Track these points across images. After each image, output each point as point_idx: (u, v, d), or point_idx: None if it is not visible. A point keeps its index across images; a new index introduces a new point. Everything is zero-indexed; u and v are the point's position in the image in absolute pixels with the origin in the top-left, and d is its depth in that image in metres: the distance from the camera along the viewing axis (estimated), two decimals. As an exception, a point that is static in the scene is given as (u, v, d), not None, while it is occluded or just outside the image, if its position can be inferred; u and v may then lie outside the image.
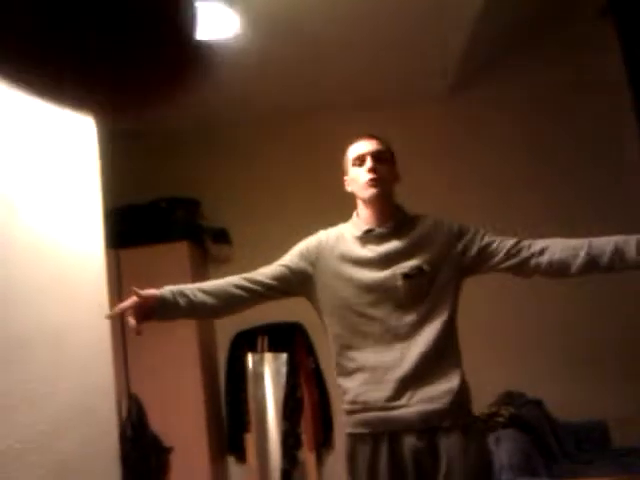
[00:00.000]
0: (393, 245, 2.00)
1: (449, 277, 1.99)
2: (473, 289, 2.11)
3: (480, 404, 2.15)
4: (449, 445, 1.89)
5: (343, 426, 2.04)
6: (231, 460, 4.10)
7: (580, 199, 4.07)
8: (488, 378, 3.09)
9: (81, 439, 2.01)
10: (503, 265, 1.99)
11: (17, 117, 2.08)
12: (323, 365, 3.96)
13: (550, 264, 1.93)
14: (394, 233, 2.02)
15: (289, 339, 4.04)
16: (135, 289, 1.93)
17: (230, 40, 3.16)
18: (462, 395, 1.94)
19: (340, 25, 3.25)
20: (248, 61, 3.44)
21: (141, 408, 3.63)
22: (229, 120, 4.22)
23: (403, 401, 1.91)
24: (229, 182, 4.32)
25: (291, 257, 2.10)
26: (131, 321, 1.91)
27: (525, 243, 1.98)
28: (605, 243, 1.89)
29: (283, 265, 2.08)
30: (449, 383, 1.93)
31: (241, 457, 4.01)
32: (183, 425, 3.72)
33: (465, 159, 4.21)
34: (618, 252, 1.86)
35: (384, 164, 2.04)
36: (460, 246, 2.00)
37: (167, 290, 1.99)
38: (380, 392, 1.93)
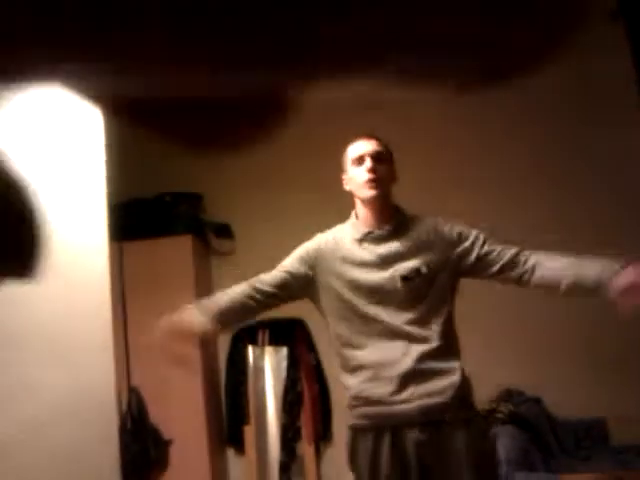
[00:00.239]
0: (392, 247, 2.02)
1: (447, 279, 2.01)
2: (473, 286, 2.12)
3: (479, 402, 2.16)
4: (452, 439, 1.92)
5: (345, 419, 2.07)
6: (230, 452, 4.12)
7: (583, 200, 4.07)
8: (487, 376, 3.09)
9: (81, 431, 2.02)
10: (497, 277, 2.00)
11: (22, 109, 2.09)
12: (323, 360, 3.98)
13: (540, 283, 1.95)
14: (393, 234, 2.04)
15: (290, 334, 4.05)
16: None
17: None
18: (464, 389, 1.97)
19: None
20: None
21: (141, 401, 3.65)
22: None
23: (405, 396, 1.93)
24: (232, 177, 4.32)
25: (292, 262, 2.12)
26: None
27: (522, 257, 1.97)
28: (592, 266, 1.90)
29: (285, 271, 2.10)
30: (450, 378, 1.95)
31: (240, 450, 4.03)
32: (183, 418, 3.74)
33: (466, 158, 4.21)
34: (597, 280, 1.86)
35: (383, 164, 2.05)
36: (458, 252, 2.01)
37: (205, 322, 2.06)
38: (382, 388, 1.95)
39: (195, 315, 2.06)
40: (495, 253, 1.99)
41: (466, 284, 2.08)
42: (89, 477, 2.03)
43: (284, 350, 4.01)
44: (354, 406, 2.02)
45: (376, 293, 1.99)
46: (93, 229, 2.23)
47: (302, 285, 2.10)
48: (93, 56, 0.48)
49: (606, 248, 3.97)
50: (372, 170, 2.02)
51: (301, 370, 3.97)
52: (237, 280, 4.61)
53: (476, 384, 2.03)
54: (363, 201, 2.07)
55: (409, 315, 1.97)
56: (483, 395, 2.15)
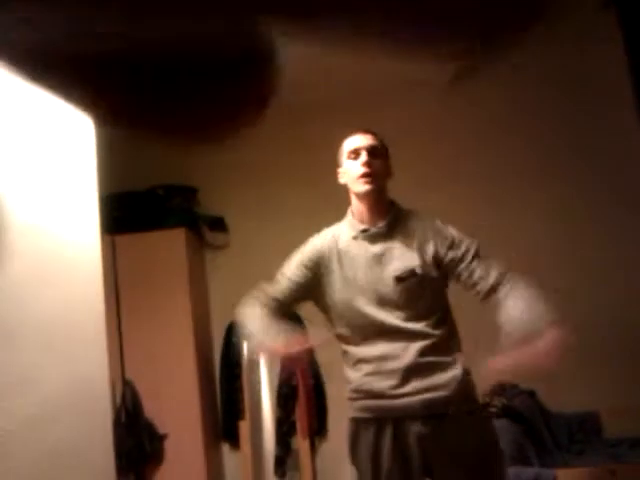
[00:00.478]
0: (387, 246, 2.02)
1: (440, 278, 2.02)
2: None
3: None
4: (455, 432, 1.92)
5: (340, 413, 2.07)
6: (225, 447, 4.12)
7: (580, 191, 4.07)
8: (480, 370, 3.10)
9: (76, 425, 2.01)
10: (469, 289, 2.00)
11: (13, 103, 2.07)
12: (318, 354, 3.97)
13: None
14: (388, 232, 2.04)
15: (284, 328, 4.05)
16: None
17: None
18: (466, 382, 1.97)
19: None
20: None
21: (136, 395, 3.64)
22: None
23: (407, 390, 1.93)
24: (226, 170, 4.31)
25: (292, 270, 2.11)
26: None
27: (499, 287, 1.93)
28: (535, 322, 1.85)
29: (288, 279, 2.10)
30: (453, 371, 1.95)
31: (235, 444, 4.03)
32: (177, 412, 3.73)
33: (463, 150, 4.20)
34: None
35: (378, 159, 2.06)
36: (449, 257, 2.01)
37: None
38: (384, 382, 1.95)
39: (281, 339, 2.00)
40: (477, 275, 1.97)
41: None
42: (84, 471, 2.03)
43: (279, 344, 4.01)
44: (355, 399, 2.03)
45: (372, 291, 1.99)
46: (85, 223, 2.21)
47: (305, 289, 2.10)
48: None
49: (605, 244, 3.98)
50: (367, 164, 2.02)
51: (296, 364, 3.97)
52: (231, 273, 4.60)
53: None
54: (358, 195, 2.07)
55: (406, 312, 1.97)
56: (476, 389, 2.16)
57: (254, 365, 4.03)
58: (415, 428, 1.92)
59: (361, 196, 2.06)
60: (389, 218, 2.05)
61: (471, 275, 1.98)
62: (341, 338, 2.07)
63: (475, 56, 3.56)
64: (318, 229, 2.23)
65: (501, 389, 3.49)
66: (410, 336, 1.95)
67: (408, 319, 1.97)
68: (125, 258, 3.81)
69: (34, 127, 2.14)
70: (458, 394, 1.94)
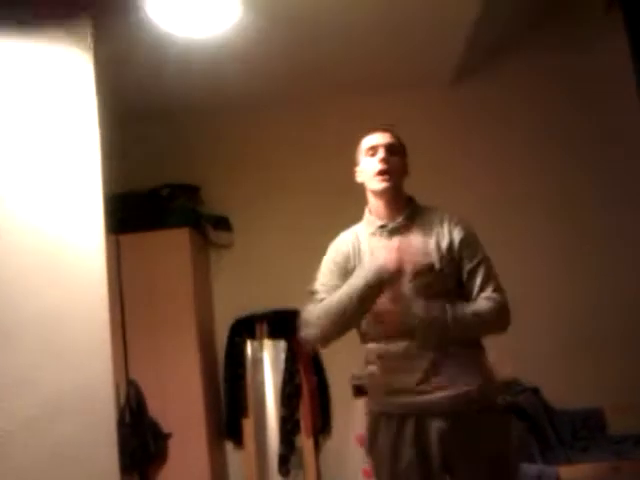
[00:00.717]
0: (404, 241, 2.01)
1: (456, 272, 2.02)
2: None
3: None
4: (476, 429, 1.92)
5: (343, 412, 2.07)
6: (229, 445, 4.12)
7: (587, 188, 4.07)
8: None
9: (79, 424, 2.02)
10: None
11: (17, 99, 2.08)
12: (322, 352, 3.97)
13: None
14: (406, 227, 2.05)
15: (288, 326, 4.05)
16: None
17: (231, 26, 3.14)
18: (489, 379, 1.99)
19: (340, 8, 3.22)
20: (249, 47, 3.42)
21: (140, 394, 3.64)
22: (230, 106, 4.20)
23: (429, 386, 1.93)
24: (230, 169, 4.31)
25: (326, 277, 2.10)
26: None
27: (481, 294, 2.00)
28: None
29: (323, 285, 2.08)
30: (475, 368, 1.97)
31: (239, 442, 4.03)
32: (182, 411, 3.73)
33: (469, 147, 4.20)
34: None
35: (395, 156, 2.07)
36: (461, 254, 2.02)
37: None
38: (407, 377, 1.95)
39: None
40: (474, 283, 2.00)
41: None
42: (88, 471, 2.03)
43: (282, 342, 4.01)
44: (377, 393, 2.04)
45: (390, 288, 1.98)
46: (90, 222, 2.22)
47: None
48: None
49: (610, 242, 3.97)
50: (384, 161, 2.03)
51: (299, 362, 3.97)
52: (235, 273, 4.59)
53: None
54: (375, 193, 2.08)
55: None
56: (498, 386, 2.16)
57: (257, 363, 4.03)
58: (437, 424, 1.92)
59: (378, 193, 2.06)
60: (406, 213, 2.06)
61: (471, 278, 2.00)
62: (365, 335, 2.07)
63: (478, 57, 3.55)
64: (323, 228, 2.23)
65: (505, 386, 3.50)
66: None
67: None
68: (129, 258, 3.81)
69: (37, 127, 2.15)
70: (481, 391, 1.94)
